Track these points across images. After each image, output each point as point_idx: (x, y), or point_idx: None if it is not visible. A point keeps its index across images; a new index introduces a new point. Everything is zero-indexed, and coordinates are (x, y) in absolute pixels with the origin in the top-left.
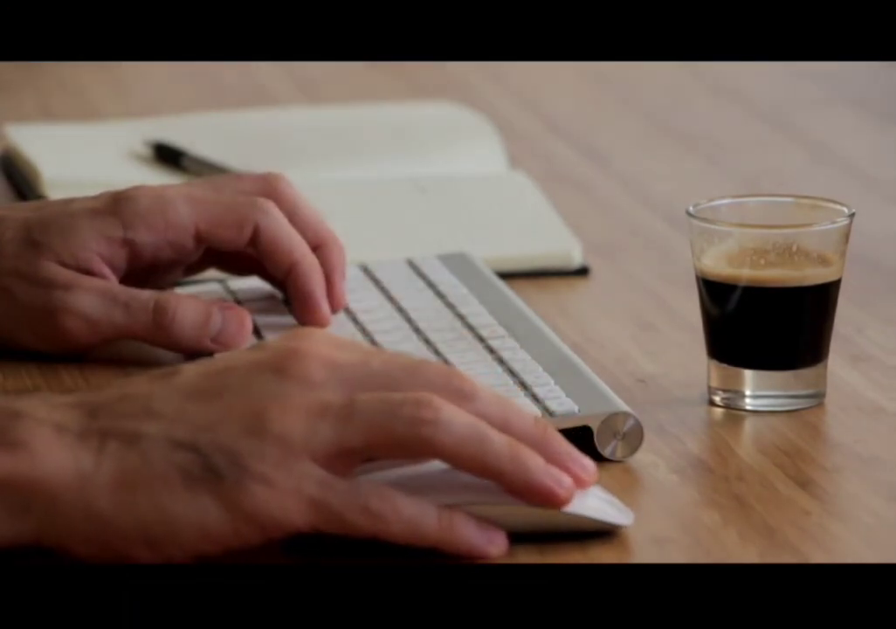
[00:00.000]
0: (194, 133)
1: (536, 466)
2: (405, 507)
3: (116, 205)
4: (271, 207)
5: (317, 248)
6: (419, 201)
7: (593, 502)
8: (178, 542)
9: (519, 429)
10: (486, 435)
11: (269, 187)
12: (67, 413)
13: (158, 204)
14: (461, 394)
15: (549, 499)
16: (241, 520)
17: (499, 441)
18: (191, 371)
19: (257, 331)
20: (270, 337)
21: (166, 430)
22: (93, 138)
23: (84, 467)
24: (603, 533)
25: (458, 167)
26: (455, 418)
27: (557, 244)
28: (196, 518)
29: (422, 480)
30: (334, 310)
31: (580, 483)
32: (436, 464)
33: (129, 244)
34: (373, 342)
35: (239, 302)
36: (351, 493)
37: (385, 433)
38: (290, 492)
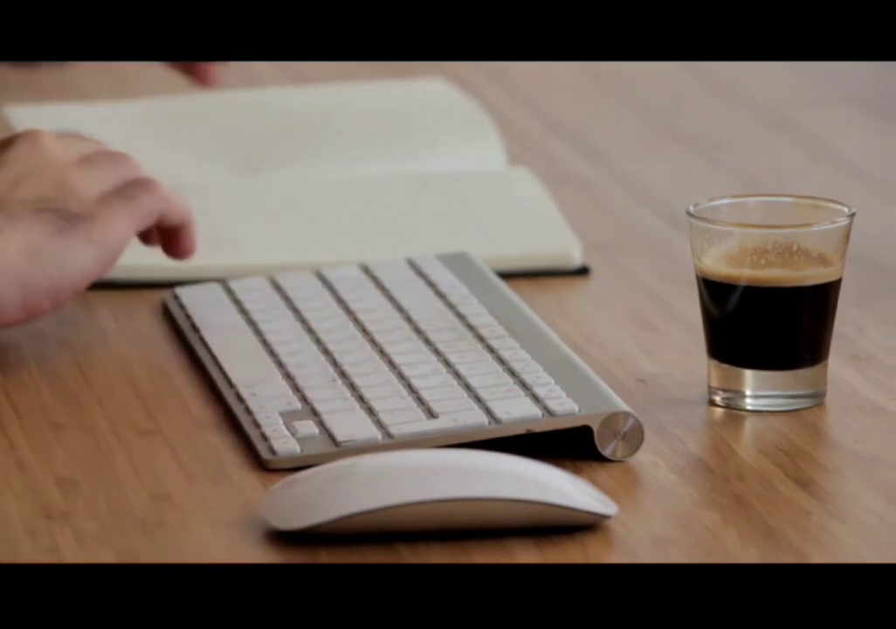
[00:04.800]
0: (193, 117)
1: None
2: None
3: None
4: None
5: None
6: (419, 199)
7: (583, 497)
8: (71, 285)
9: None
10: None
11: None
12: None
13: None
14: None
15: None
16: (102, 250)
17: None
18: None
19: (259, 333)
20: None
21: (19, 205)
22: (88, 119)
23: (5, 244)
24: (593, 526)
25: (458, 157)
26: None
27: (557, 244)
28: (79, 259)
29: (423, 474)
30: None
31: None
32: (434, 459)
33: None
34: (373, 342)
35: (237, 302)
36: (142, 205)
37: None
38: (114, 218)
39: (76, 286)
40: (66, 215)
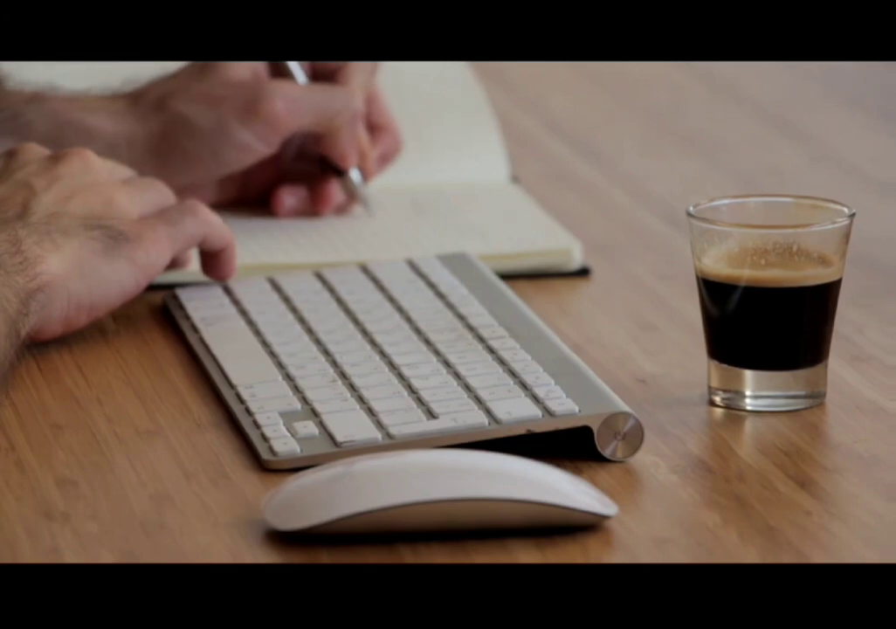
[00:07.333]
0: None
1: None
2: (212, 220)
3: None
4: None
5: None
6: (420, 204)
7: (583, 498)
8: (107, 302)
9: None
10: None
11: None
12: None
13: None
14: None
15: None
16: (142, 273)
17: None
18: (46, 196)
19: (259, 333)
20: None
21: (72, 220)
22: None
23: (62, 259)
24: (594, 526)
25: (460, 163)
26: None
27: (558, 245)
28: (120, 279)
29: (423, 474)
30: None
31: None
32: (434, 459)
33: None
34: (373, 343)
35: (237, 302)
36: (184, 230)
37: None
38: (157, 241)
39: (112, 304)
40: (112, 234)
